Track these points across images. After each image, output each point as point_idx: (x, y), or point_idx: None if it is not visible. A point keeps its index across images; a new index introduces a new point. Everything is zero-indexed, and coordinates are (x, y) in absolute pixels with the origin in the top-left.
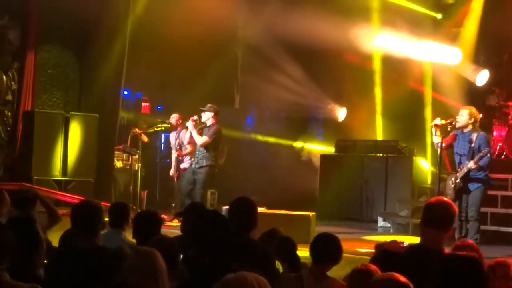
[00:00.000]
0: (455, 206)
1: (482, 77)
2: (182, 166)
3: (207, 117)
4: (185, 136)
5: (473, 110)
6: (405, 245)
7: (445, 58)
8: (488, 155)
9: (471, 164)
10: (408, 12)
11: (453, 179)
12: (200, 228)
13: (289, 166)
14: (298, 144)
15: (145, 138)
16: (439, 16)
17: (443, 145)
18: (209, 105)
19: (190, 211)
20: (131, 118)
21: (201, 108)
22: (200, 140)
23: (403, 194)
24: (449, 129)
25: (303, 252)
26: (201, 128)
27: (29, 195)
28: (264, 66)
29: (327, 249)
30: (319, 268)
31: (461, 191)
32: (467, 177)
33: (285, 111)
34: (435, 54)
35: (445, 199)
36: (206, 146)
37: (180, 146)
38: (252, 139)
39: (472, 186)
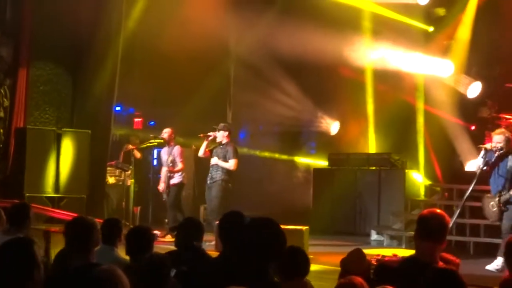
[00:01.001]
0: (448, 218)
1: (474, 89)
2: (172, 182)
3: (222, 136)
4: (178, 152)
5: (507, 133)
6: (376, 259)
7: (437, 71)
8: None
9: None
10: (399, 25)
11: (492, 203)
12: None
13: (282, 180)
14: (293, 158)
15: (138, 154)
16: (430, 28)
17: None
18: (222, 124)
19: (185, 226)
20: (124, 134)
21: (214, 127)
22: (229, 165)
23: (396, 207)
24: (496, 153)
25: None
26: (214, 147)
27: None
28: (257, 80)
29: (296, 263)
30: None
31: (502, 214)
32: (507, 201)
33: (278, 126)
34: (427, 67)
35: (438, 210)
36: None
37: (173, 162)
38: (245, 153)
39: (509, 205)
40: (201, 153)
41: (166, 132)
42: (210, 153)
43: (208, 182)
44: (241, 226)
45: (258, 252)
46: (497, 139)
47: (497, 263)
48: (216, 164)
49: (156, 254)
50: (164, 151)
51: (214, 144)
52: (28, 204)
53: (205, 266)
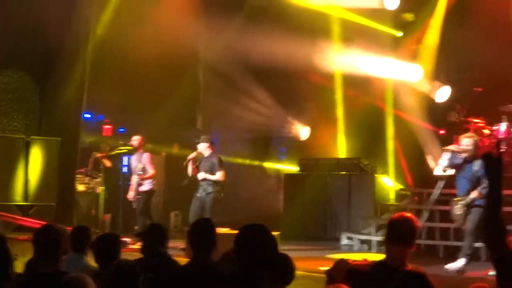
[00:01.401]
0: (418, 222)
1: (443, 94)
2: (142, 189)
3: (204, 148)
4: (147, 159)
5: (475, 137)
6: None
7: (406, 75)
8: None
9: (475, 194)
10: (368, 30)
11: (458, 206)
12: None
13: (253, 186)
14: (263, 164)
15: (107, 163)
16: (399, 34)
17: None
18: (203, 136)
19: (150, 233)
20: (94, 141)
21: (196, 141)
22: (217, 177)
23: (366, 211)
24: (462, 156)
25: None
26: (199, 160)
27: None
28: (226, 87)
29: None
30: None
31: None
32: (471, 204)
33: (248, 132)
34: (396, 72)
35: (408, 214)
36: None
37: (143, 169)
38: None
39: (472, 208)
40: (189, 173)
41: (135, 140)
42: (197, 169)
43: (199, 195)
44: (212, 233)
45: (251, 258)
46: (466, 143)
47: (457, 264)
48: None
49: (124, 260)
50: (134, 159)
51: (199, 157)
52: None
53: (172, 273)
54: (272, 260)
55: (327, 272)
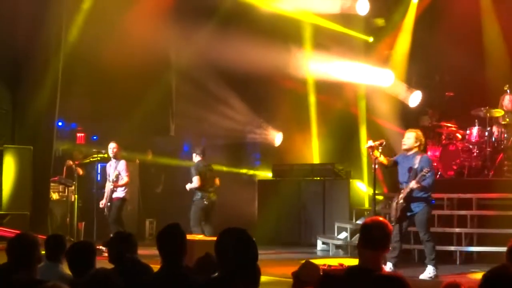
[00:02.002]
0: (391, 226)
1: (414, 98)
2: (115, 195)
3: (194, 158)
4: (123, 167)
5: (419, 133)
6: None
7: (378, 80)
8: (429, 175)
9: (412, 184)
10: (340, 36)
11: (397, 199)
12: None
13: (226, 192)
14: (237, 170)
15: (80, 171)
16: (370, 39)
17: (376, 167)
18: (196, 147)
19: (116, 241)
20: (67, 149)
21: (192, 151)
22: (193, 184)
23: (341, 216)
24: (380, 149)
25: None
26: None
27: None
28: (199, 93)
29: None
30: None
31: (404, 211)
32: (410, 198)
33: (222, 138)
34: (368, 77)
35: (381, 219)
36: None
37: (117, 176)
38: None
39: (414, 207)
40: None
41: (111, 148)
42: None
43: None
44: (180, 239)
45: (232, 263)
46: (407, 135)
47: (429, 271)
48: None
49: (101, 269)
50: (110, 166)
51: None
52: None
53: (145, 278)
54: (253, 264)
55: (294, 274)
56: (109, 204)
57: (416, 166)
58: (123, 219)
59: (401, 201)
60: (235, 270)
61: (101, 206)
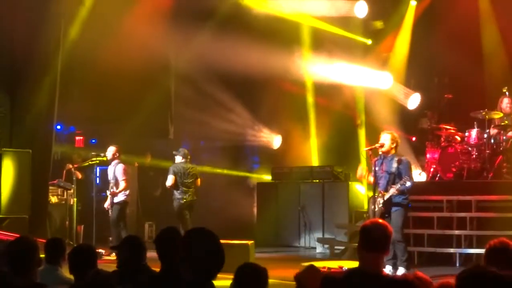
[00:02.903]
0: (390, 228)
1: (413, 101)
2: (115, 200)
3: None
4: (120, 171)
5: (394, 134)
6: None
7: (376, 83)
8: (408, 183)
9: (392, 191)
10: (339, 38)
11: (375, 204)
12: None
13: (226, 195)
14: (236, 173)
15: (79, 175)
16: (369, 41)
17: (377, 168)
18: (180, 148)
19: (125, 246)
20: (65, 152)
21: (174, 152)
22: (166, 183)
23: (340, 219)
24: (380, 152)
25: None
26: None
27: None
28: (198, 96)
29: (253, 281)
30: None
31: (383, 215)
32: (389, 203)
33: (220, 141)
34: (367, 79)
35: (380, 221)
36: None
37: (115, 183)
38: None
39: (392, 209)
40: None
41: (110, 151)
42: None
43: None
44: (177, 241)
45: (196, 265)
46: (383, 137)
47: (401, 273)
48: None
49: (100, 271)
50: (110, 169)
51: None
52: None
53: (150, 284)
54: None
55: (296, 277)
56: (111, 207)
57: (393, 170)
58: (126, 221)
59: (381, 206)
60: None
61: (106, 207)
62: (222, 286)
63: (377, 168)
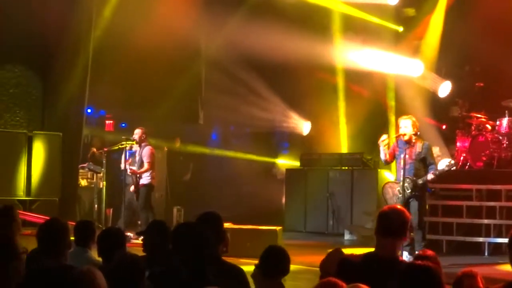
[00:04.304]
0: (408, 213)
1: (444, 89)
2: (141, 182)
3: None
4: (147, 153)
5: (413, 118)
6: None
7: (407, 70)
8: (438, 168)
9: (430, 176)
10: (370, 25)
11: (398, 188)
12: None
13: (255, 180)
14: (265, 159)
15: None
16: (400, 29)
17: (407, 156)
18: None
19: (151, 231)
20: (95, 136)
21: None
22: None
23: (369, 206)
24: (413, 140)
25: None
26: None
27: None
28: (228, 81)
29: (279, 263)
30: (271, 283)
31: (407, 200)
32: (420, 187)
33: (250, 126)
34: (398, 67)
35: (398, 206)
36: None
37: (141, 162)
38: (217, 154)
39: (415, 192)
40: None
41: (137, 133)
42: None
43: None
44: (219, 226)
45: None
46: (403, 123)
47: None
48: None
49: (128, 254)
50: (136, 152)
51: None
52: (13, 206)
53: (178, 268)
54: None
55: (320, 265)
56: (136, 190)
57: (418, 152)
58: (153, 205)
59: (409, 190)
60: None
61: (131, 191)
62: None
63: (401, 155)
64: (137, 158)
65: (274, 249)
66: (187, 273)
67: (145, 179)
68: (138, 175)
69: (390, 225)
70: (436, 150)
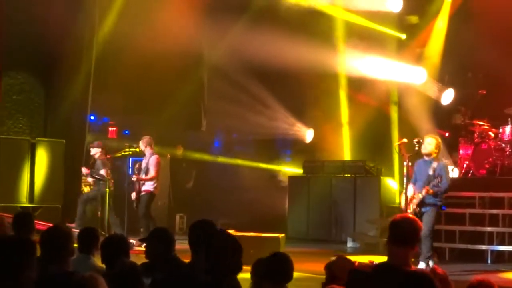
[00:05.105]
0: (420, 222)
1: (447, 96)
2: (144, 188)
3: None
4: (154, 161)
5: (439, 140)
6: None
7: (410, 78)
8: (442, 185)
9: (424, 192)
10: (372, 33)
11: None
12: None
13: (257, 188)
14: (268, 166)
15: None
16: (403, 36)
17: (410, 163)
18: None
19: (153, 238)
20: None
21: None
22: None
23: (371, 214)
24: (416, 147)
25: None
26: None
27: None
28: (231, 88)
29: (284, 269)
30: None
31: (416, 216)
32: (422, 203)
33: (253, 134)
34: (401, 74)
35: (410, 215)
36: None
37: (147, 170)
38: (219, 162)
39: (424, 209)
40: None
41: (142, 142)
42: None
43: None
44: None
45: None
46: (427, 141)
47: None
48: None
49: (127, 261)
50: (143, 161)
51: None
52: (30, 213)
53: (180, 275)
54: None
55: (327, 266)
56: (138, 197)
57: (431, 173)
58: (152, 213)
59: (415, 206)
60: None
61: (132, 198)
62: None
63: (420, 173)
64: (143, 166)
65: (278, 256)
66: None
67: (147, 186)
68: (141, 182)
69: (402, 234)
70: None
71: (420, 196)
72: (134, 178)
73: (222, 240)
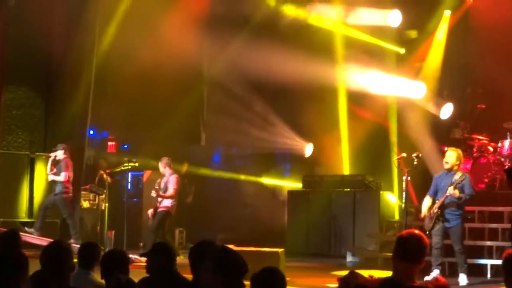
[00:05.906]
0: (427, 238)
1: (446, 111)
2: (162, 204)
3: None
4: (173, 180)
5: (460, 152)
6: (371, 277)
7: (409, 92)
8: (467, 195)
9: (450, 190)
10: (371, 47)
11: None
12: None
13: (257, 202)
14: (267, 180)
15: (109, 179)
16: (402, 51)
17: (409, 178)
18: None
19: (154, 252)
20: (92, 157)
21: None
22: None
23: (371, 228)
24: (415, 162)
25: None
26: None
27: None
28: (230, 103)
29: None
30: None
31: (438, 219)
32: (444, 209)
33: (252, 148)
34: (400, 89)
35: (416, 231)
36: None
37: (166, 188)
38: (219, 176)
39: (451, 220)
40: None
41: (162, 164)
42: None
43: None
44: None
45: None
46: (449, 154)
47: (464, 278)
48: None
49: (123, 277)
50: (163, 179)
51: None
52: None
53: None
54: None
55: (342, 278)
56: (154, 213)
57: (456, 180)
58: (161, 232)
59: (435, 210)
60: None
61: (149, 215)
62: None
63: (442, 184)
64: (162, 185)
65: (269, 271)
66: None
67: (166, 203)
68: (159, 200)
69: (408, 250)
70: None
71: (447, 194)
72: (153, 193)
73: (221, 258)
